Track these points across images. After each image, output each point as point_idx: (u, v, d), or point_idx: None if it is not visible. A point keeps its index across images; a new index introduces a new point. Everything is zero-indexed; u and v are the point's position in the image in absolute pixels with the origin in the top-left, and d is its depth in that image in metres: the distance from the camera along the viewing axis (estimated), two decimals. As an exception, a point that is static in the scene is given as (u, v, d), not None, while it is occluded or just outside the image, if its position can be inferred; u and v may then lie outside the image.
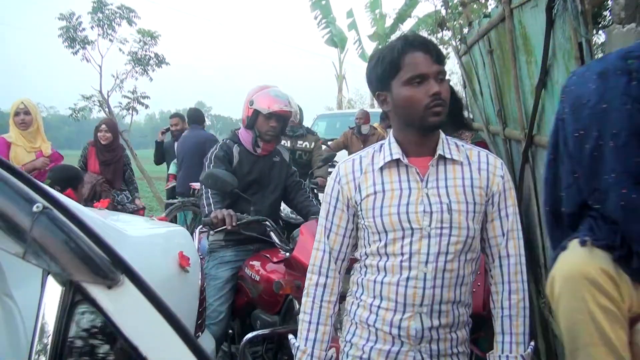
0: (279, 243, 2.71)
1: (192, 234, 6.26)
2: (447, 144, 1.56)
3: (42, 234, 0.72)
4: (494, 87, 3.10)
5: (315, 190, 5.49)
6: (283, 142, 5.07)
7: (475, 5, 8.35)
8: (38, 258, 0.70)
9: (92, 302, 0.74)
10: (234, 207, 2.78)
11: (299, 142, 5.61)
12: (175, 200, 6.39)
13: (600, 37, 4.57)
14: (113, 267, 0.77)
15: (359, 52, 23.03)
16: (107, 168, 5.51)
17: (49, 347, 0.71)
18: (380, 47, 5.48)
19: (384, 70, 1.52)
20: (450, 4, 7.90)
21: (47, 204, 0.75)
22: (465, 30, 4.05)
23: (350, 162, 1.64)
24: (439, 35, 17.13)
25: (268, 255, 2.86)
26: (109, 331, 0.76)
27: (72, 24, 11.85)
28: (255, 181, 3.05)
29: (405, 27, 21.39)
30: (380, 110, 10.76)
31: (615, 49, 1.73)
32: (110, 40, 12.25)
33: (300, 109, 5.48)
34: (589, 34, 1.80)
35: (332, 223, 1.65)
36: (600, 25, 4.65)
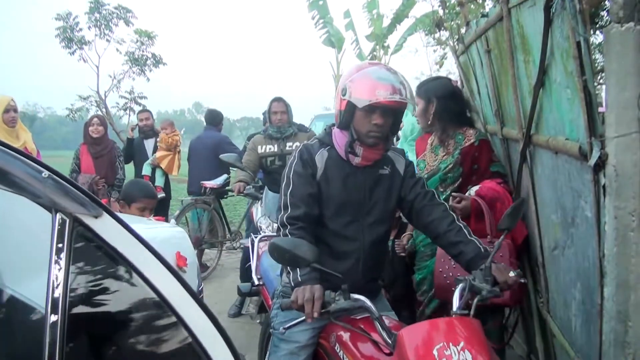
0: (380, 340, 1.86)
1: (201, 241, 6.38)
2: None
3: (50, 189, 1.13)
4: (491, 86, 3.09)
5: None
6: (269, 147, 4.75)
7: (472, 6, 8.35)
8: (50, 202, 1.13)
9: (86, 227, 1.16)
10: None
11: (288, 144, 4.76)
12: (188, 198, 6.42)
13: (598, 38, 4.57)
14: (95, 205, 1.17)
15: (357, 53, 23.00)
16: (99, 161, 5.64)
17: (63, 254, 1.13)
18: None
19: None
20: (447, 4, 7.89)
21: (49, 172, 1.14)
22: (463, 30, 4.05)
23: None
24: (437, 35, 17.13)
25: (365, 329, 1.96)
26: (99, 244, 1.18)
27: (69, 24, 11.85)
28: (349, 205, 2.20)
29: (403, 27, 21.43)
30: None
31: (613, 48, 1.73)
32: (108, 40, 12.26)
33: (287, 105, 4.91)
34: (587, 33, 1.79)
35: None
36: (597, 25, 4.64)
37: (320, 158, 2.19)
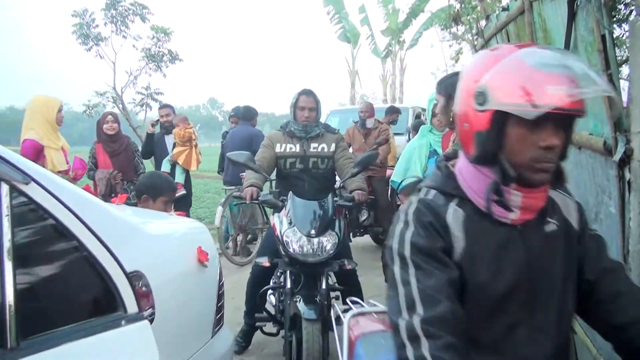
0: None
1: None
2: None
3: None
4: (512, 81, 3.07)
5: (348, 211, 4.59)
6: (289, 146, 3.87)
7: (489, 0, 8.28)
8: None
9: (21, 192, 1.37)
10: None
11: (313, 145, 3.88)
12: (231, 188, 6.80)
13: (617, 31, 4.51)
14: (24, 175, 1.38)
15: (372, 48, 22.99)
16: (116, 159, 5.60)
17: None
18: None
19: None
20: (464, -2, 7.84)
21: None
22: (482, 23, 4.01)
23: None
24: (453, 30, 17.03)
25: None
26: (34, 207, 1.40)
27: (85, 21, 11.94)
28: (514, 297, 1.27)
29: (418, 22, 21.36)
30: (385, 105, 10.71)
31: (639, 41, 1.70)
32: (124, 36, 12.33)
33: (318, 100, 3.97)
34: (612, 25, 1.77)
35: None
36: (615, 19, 4.59)
37: (453, 217, 1.29)
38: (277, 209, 3.56)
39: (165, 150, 6.58)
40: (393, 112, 8.71)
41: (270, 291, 3.71)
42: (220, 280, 2.44)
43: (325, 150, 3.85)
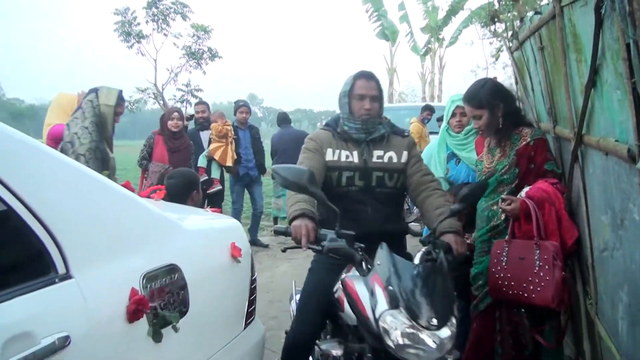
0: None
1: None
2: None
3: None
4: (545, 84, 3.08)
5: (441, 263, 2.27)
6: (345, 153, 2.69)
7: (527, -1, 8.16)
8: None
9: None
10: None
11: (377, 153, 2.72)
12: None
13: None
14: None
15: (411, 45, 22.85)
16: (175, 155, 5.70)
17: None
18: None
19: None
20: (503, -4, 7.75)
21: None
22: (517, 23, 4.01)
23: None
24: (492, 28, 16.81)
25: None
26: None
27: (127, 19, 12.31)
28: None
29: (458, 19, 21.12)
30: (420, 104, 10.66)
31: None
32: (165, 34, 12.70)
33: (380, 88, 2.80)
34: (636, 35, 1.79)
35: None
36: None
37: None
38: (354, 263, 2.19)
39: (200, 146, 6.76)
40: (425, 110, 8.81)
41: None
42: (252, 274, 2.54)
43: (395, 160, 2.71)
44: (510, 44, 4.11)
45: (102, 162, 3.79)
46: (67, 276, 1.64)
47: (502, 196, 2.84)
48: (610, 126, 2.16)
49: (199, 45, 12.92)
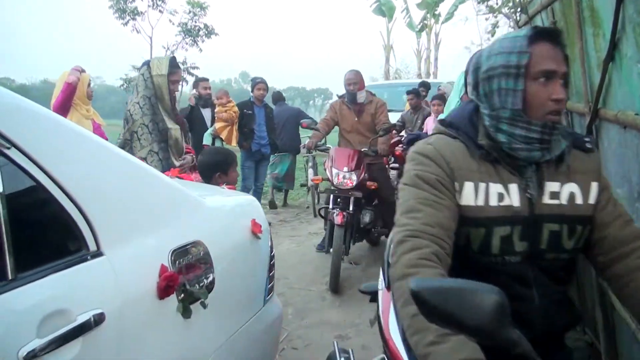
0: None
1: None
2: None
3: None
4: (556, 59, 3.07)
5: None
6: (497, 189, 1.36)
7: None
8: None
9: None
10: None
11: (551, 187, 1.33)
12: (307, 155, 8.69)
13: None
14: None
15: (407, 21, 22.70)
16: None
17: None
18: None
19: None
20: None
21: None
22: (525, -1, 3.99)
23: None
24: (489, 2, 16.67)
25: None
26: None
27: (122, -5, 12.13)
28: None
29: (455, -6, 20.93)
30: (417, 81, 10.64)
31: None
32: (160, 11, 12.52)
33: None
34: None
35: None
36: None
37: None
38: None
39: (204, 124, 6.75)
40: (421, 87, 8.88)
41: None
42: (271, 251, 2.56)
43: (579, 200, 1.49)
44: (519, 19, 4.09)
45: (160, 135, 3.64)
46: (98, 253, 1.65)
47: None
48: (629, 100, 2.17)
49: (195, 22, 12.77)
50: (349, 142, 5.62)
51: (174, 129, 3.71)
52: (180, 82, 13.08)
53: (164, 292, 1.82)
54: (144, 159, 3.37)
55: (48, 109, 1.67)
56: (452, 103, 3.26)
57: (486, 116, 1.51)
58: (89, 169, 1.71)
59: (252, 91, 7.37)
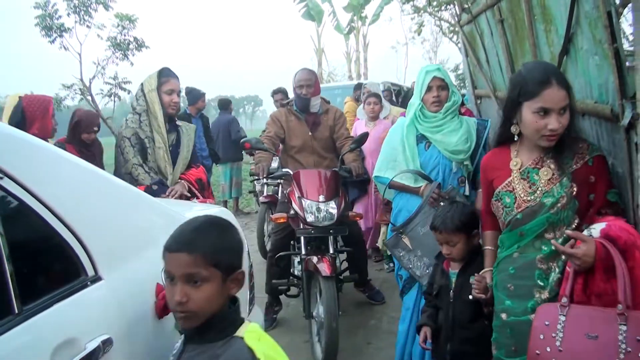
0: None
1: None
2: None
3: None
4: (506, 55, 3.22)
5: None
6: None
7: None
8: None
9: None
10: None
11: None
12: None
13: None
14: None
15: (334, 25, 22.94)
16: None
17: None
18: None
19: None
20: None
21: None
22: None
23: None
24: (414, 2, 17.14)
25: None
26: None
27: (47, 12, 11.64)
28: None
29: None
30: (353, 82, 10.75)
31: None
32: (88, 26, 12.07)
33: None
34: (617, 4, 1.93)
35: None
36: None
37: None
38: None
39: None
40: (357, 89, 8.06)
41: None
42: (248, 261, 2.56)
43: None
44: (459, 18, 4.25)
45: (141, 151, 3.35)
46: (97, 278, 1.62)
47: (568, 232, 1.91)
48: (587, 90, 2.31)
49: (124, 35, 12.42)
50: (300, 164, 4.13)
51: (159, 148, 3.41)
52: (112, 98, 12.74)
53: (162, 311, 1.80)
54: (129, 174, 3.24)
55: (38, 138, 1.62)
56: (415, 105, 2.99)
57: None
58: (79, 193, 1.67)
59: (195, 104, 7.27)
